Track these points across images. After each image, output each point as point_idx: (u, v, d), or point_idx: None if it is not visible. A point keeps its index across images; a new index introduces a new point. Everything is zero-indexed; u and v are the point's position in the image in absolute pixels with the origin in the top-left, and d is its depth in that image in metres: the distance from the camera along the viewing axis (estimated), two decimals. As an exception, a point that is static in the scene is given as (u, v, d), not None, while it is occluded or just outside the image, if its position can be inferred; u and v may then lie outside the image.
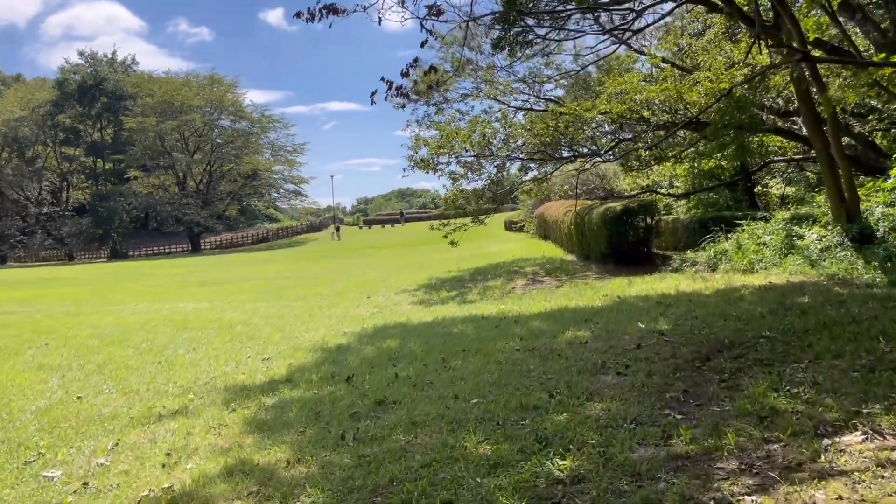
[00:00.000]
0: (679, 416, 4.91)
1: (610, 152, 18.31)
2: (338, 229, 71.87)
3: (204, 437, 5.72)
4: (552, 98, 20.61)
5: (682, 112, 17.67)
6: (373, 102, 8.14)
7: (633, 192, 26.95)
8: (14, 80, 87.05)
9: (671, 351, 6.96)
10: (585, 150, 19.69)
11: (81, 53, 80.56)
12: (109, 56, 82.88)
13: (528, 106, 20.02)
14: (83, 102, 73.50)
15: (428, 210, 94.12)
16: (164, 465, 5.04)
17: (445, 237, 18.59)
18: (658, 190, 24.85)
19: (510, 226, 46.31)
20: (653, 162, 21.84)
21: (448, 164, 17.69)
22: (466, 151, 16.48)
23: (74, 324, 15.27)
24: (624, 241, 16.73)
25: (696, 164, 24.38)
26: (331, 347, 9.86)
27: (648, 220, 17.57)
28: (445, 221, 19.88)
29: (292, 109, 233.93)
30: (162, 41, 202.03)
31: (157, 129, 68.11)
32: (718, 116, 13.48)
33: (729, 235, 15.29)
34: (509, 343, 8.43)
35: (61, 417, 6.98)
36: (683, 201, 26.64)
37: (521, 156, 17.46)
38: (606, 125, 18.11)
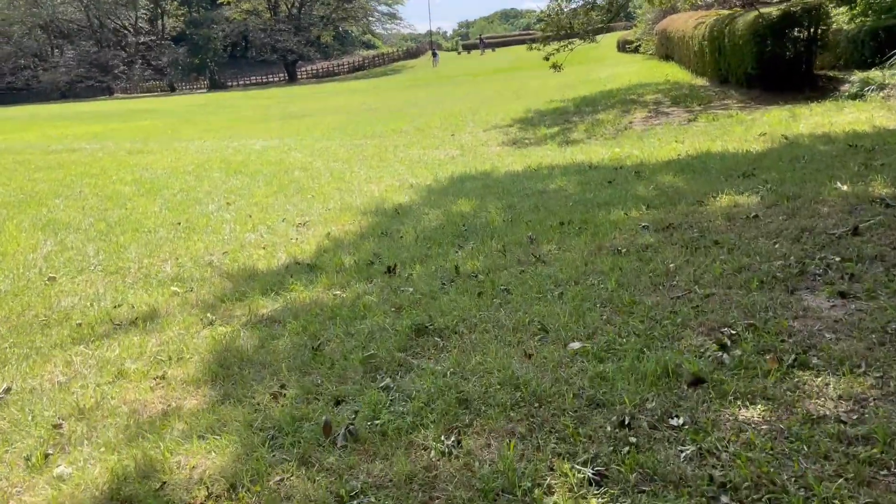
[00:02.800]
0: None
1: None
2: (434, 55, 67.58)
3: (136, 387, 3.57)
4: None
5: None
6: None
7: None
8: None
9: (921, 243, 4.06)
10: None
11: None
12: None
13: None
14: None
15: (532, 32, 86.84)
16: (28, 465, 2.92)
17: (546, 59, 15.20)
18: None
19: (623, 46, 40.87)
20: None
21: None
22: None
23: (127, 164, 13.64)
24: (779, 59, 12.85)
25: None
26: (387, 209, 7.47)
27: (812, 31, 13.44)
28: (545, 42, 16.34)
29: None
30: None
31: (244, -55, 64.05)
32: None
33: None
34: (631, 213, 5.71)
35: (1, 317, 5.08)
36: (844, 7, 21.43)
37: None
38: None
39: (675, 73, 20.36)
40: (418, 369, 3.26)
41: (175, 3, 72.41)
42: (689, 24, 20.80)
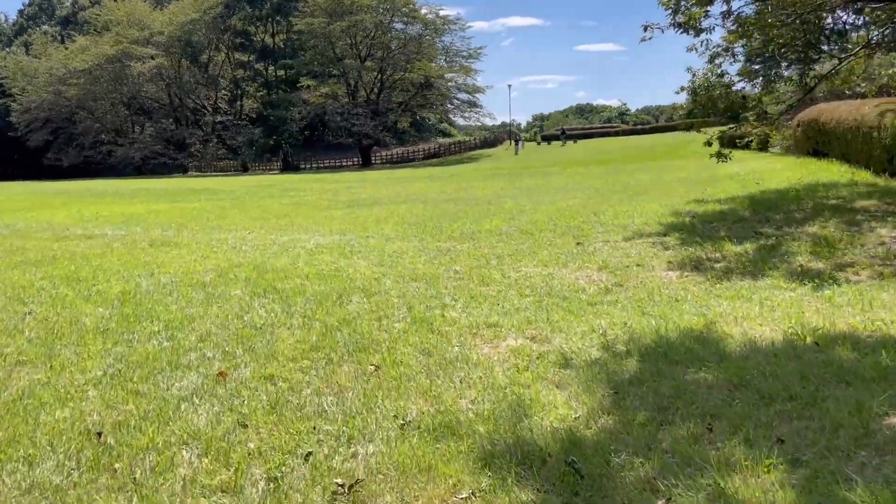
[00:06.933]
0: None
1: None
2: (517, 141, 65.47)
3: None
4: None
5: None
6: None
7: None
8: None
9: None
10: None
11: (254, -51, 77.35)
12: (281, -49, 78.98)
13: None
14: (253, 3, 70.56)
15: (615, 125, 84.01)
16: None
17: (708, 144, 11.15)
18: None
19: (729, 141, 36.24)
20: None
21: (726, 13, 9.98)
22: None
23: (136, 263, 10.03)
24: None
25: None
26: (539, 446, 3.24)
27: None
28: (692, 127, 12.31)
29: (472, 24, 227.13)
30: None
31: (325, 32, 63.49)
32: None
33: None
34: None
35: None
36: None
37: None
38: None
39: (847, 172, 15.87)
40: None
41: (255, 84, 72.73)
42: (863, 111, 16.40)
